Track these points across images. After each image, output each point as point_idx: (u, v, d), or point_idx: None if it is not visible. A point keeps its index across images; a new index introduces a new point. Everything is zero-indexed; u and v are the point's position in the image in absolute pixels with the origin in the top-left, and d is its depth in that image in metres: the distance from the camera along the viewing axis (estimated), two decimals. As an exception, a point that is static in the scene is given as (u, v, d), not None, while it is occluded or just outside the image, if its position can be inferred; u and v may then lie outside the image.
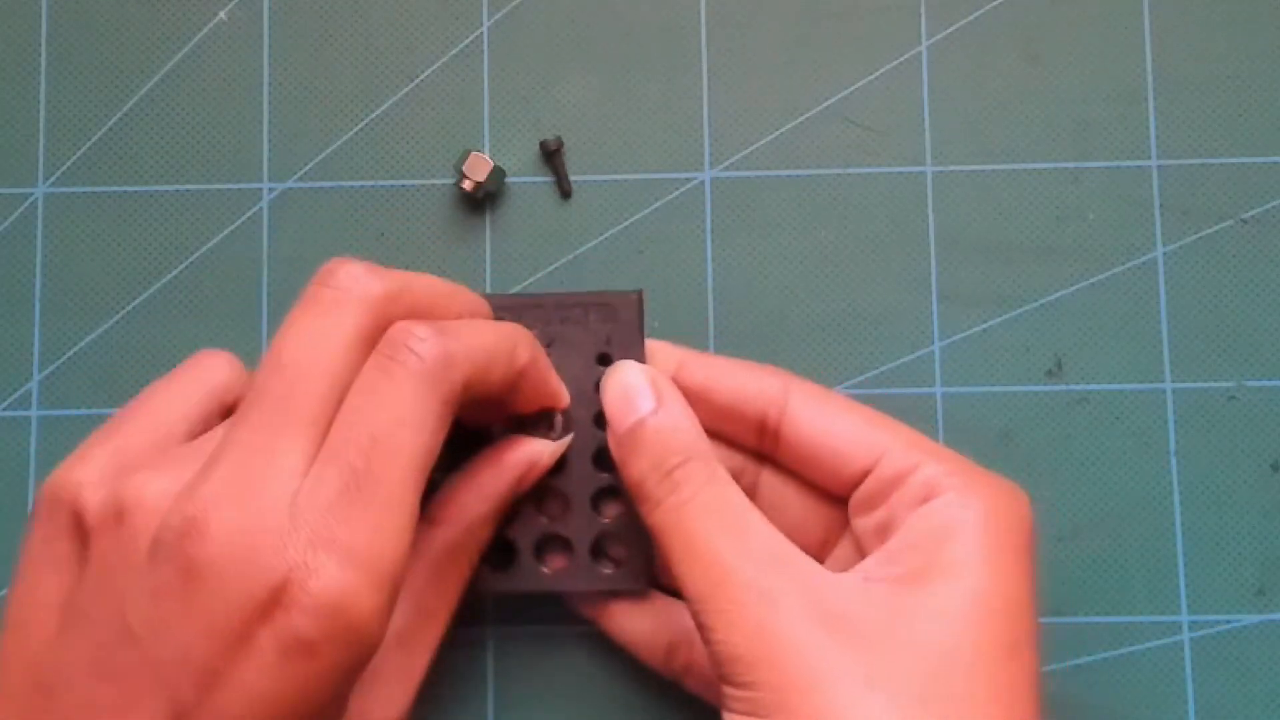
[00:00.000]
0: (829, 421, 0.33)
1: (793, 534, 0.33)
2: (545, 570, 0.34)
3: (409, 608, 0.32)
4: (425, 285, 0.30)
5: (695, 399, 0.34)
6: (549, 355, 0.33)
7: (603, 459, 0.34)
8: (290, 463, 0.27)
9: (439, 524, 0.32)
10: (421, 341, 0.28)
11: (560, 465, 0.34)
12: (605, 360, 0.34)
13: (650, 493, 0.31)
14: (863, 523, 0.32)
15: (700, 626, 0.30)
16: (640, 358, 0.34)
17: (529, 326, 0.33)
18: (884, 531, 0.32)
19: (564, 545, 0.34)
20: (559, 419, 0.34)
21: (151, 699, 0.26)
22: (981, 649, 0.29)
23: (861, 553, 0.32)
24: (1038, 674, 0.30)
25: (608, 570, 0.34)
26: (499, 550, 0.34)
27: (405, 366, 0.28)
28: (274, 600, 0.25)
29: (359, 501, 0.26)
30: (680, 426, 0.32)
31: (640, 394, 0.32)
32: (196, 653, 0.26)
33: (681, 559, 0.30)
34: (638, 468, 0.31)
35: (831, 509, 0.34)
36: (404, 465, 0.27)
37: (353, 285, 0.29)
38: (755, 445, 0.34)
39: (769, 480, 0.34)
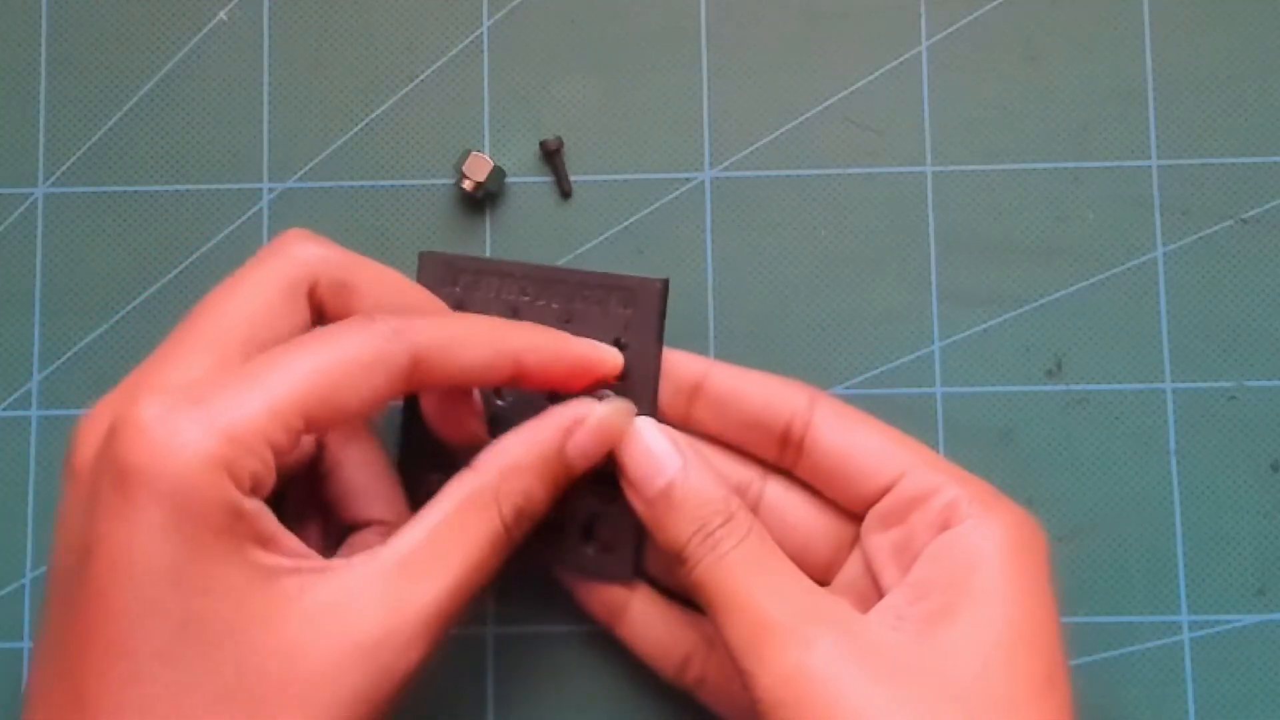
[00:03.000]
0: (853, 436, 0.33)
1: (799, 551, 0.33)
2: (535, 543, 0.33)
3: (420, 535, 0.29)
4: (374, 268, 0.32)
5: (720, 405, 0.34)
6: (567, 330, 0.33)
7: None
8: (177, 367, 0.29)
9: (472, 468, 0.31)
10: (375, 318, 0.29)
11: None
12: (620, 345, 0.34)
13: (692, 554, 0.31)
14: (877, 540, 0.33)
15: (742, 674, 0.30)
16: (657, 348, 0.34)
17: (549, 300, 0.34)
18: (902, 551, 0.32)
19: (554, 521, 0.34)
20: (607, 393, 0.33)
21: (47, 592, 0.28)
22: (1019, 682, 0.29)
23: (871, 571, 0.33)
24: (1073, 709, 0.30)
25: (594, 553, 0.34)
26: None
27: (348, 324, 0.29)
28: (107, 440, 0.27)
29: (228, 375, 0.28)
30: (713, 483, 0.32)
31: (665, 454, 0.32)
32: (75, 531, 0.27)
33: (721, 610, 0.30)
34: (680, 531, 0.31)
35: (839, 526, 0.34)
36: (296, 372, 0.28)
37: (288, 246, 0.31)
38: (774, 456, 0.34)
39: (774, 495, 0.34)
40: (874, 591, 0.32)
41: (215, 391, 0.27)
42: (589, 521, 0.34)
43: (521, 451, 0.31)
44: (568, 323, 0.34)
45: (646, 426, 0.32)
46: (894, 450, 0.33)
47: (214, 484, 0.26)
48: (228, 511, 0.27)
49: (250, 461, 0.27)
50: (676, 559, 0.31)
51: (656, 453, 0.32)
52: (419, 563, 0.29)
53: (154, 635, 0.26)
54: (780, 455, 0.34)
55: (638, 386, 0.34)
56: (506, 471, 0.31)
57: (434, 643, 0.29)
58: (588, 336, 0.33)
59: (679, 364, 0.34)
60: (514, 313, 0.34)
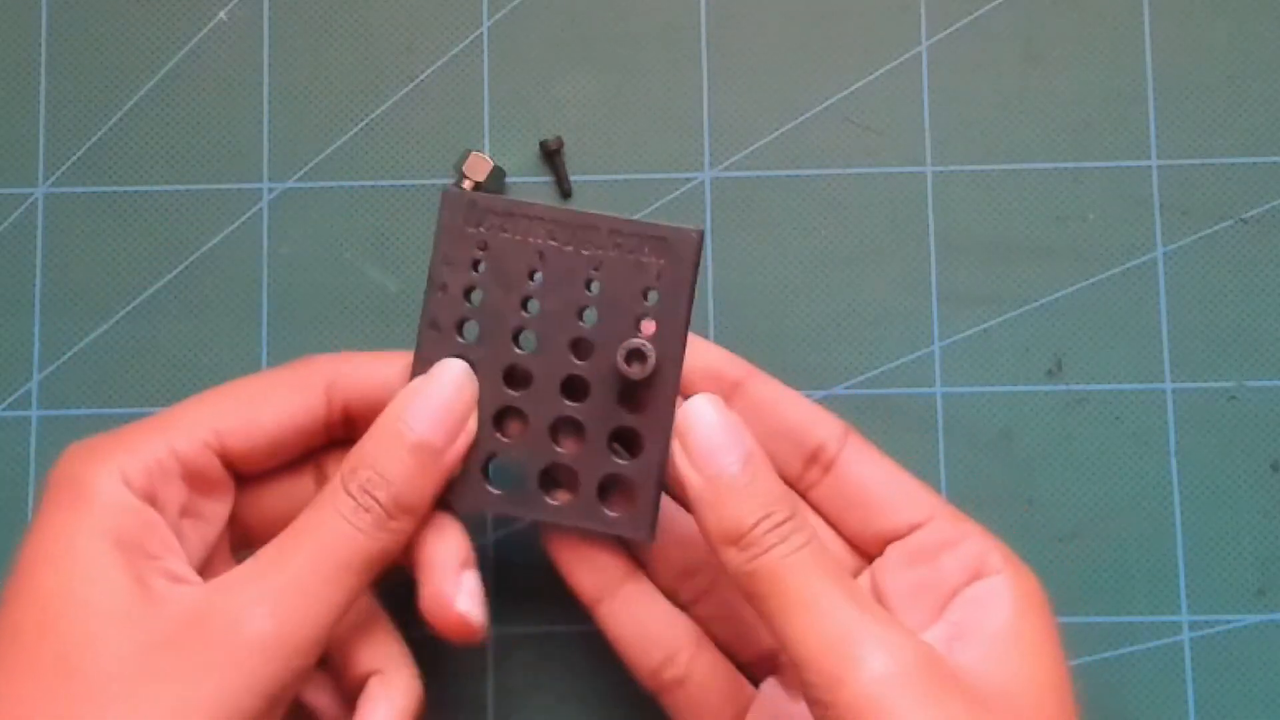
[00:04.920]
0: (884, 471, 0.34)
1: None
2: (549, 501, 0.33)
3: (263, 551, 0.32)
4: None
5: (758, 410, 0.33)
6: (595, 278, 0.32)
7: (627, 397, 0.32)
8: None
9: None
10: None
11: (583, 393, 0.32)
12: (650, 295, 0.32)
13: (758, 539, 0.30)
14: (898, 576, 0.33)
15: (816, 679, 0.29)
16: (688, 299, 0.32)
17: (577, 246, 0.32)
18: (927, 589, 0.32)
19: (570, 478, 0.33)
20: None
21: None
22: None
23: (884, 605, 0.32)
24: None
25: (611, 512, 0.33)
26: (502, 471, 0.33)
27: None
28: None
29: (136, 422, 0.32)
30: (778, 478, 0.31)
31: (737, 433, 0.31)
32: None
33: (794, 608, 0.30)
34: (744, 514, 0.30)
35: (845, 559, 0.34)
36: (212, 395, 0.32)
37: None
38: (796, 473, 0.34)
39: None
40: None
41: (140, 423, 0.31)
42: (606, 480, 0.33)
43: (365, 431, 0.32)
44: (597, 270, 0.32)
45: (716, 404, 0.31)
46: (923, 493, 0.33)
47: (106, 483, 0.30)
48: (116, 508, 0.29)
49: (143, 465, 0.30)
50: (731, 541, 0.30)
51: (728, 431, 0.31)
52: (246, 578, 0.30)
53: (20, 612, 0.29)
54: (803, 473, 0.34)
55: (666, 339, 0.32)
56: (350, 454, 0.31)
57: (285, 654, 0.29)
58: (618, 284, 0.32)
59: (721, 368, 0.34)
60: (540, 258, 0.32)
